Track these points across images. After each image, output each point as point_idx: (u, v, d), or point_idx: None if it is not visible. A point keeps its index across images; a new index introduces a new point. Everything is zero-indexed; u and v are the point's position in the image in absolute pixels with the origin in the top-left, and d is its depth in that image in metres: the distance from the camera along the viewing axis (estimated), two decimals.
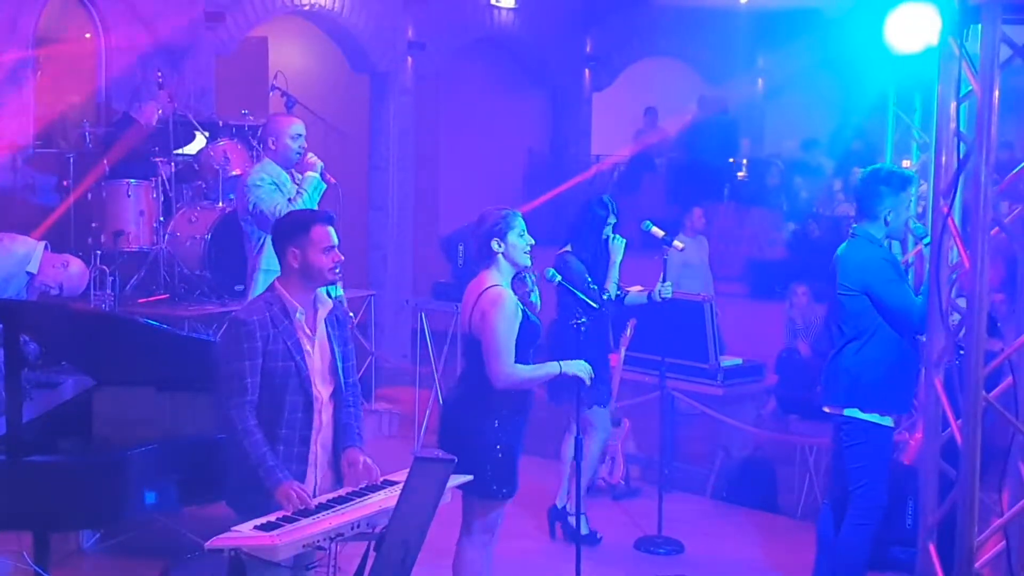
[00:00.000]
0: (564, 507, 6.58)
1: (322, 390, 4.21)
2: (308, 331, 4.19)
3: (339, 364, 4.27)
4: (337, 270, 4.22)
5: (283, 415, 4.10)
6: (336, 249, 4.22)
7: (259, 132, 7.42)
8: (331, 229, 4.23)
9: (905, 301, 5.04)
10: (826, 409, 5.32)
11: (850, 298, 5.13)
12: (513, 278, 4.87)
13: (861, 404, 5.14)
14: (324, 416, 4.23)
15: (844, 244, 5.26)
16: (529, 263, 4.87)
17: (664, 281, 6.48)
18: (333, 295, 4.51)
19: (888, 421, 5.20)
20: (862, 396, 5.13)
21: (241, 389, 4.04)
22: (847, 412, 5.18)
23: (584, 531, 6.37)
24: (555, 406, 6.42)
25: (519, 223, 4.84)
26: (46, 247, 6.54)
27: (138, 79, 8.96)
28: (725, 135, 14.44)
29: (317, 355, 4.21)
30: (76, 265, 6.70)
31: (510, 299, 4.75)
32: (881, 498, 5.25)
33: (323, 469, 4.24)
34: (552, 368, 4.82)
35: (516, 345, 4.74)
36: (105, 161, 8.04)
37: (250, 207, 6.25)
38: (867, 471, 5.20)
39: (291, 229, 4.26)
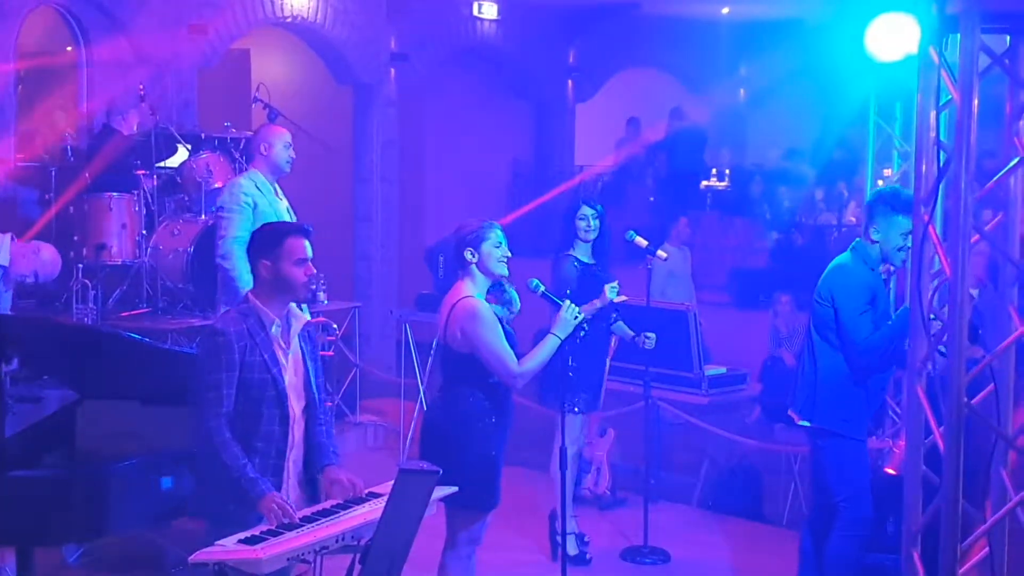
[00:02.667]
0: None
1: (296, 405, 4.18)
2: (283, 345, 4.16)
3: (312, 381, 4.23)
4: (312, 284, 4.17)
5: (260, 427, 4.07)
6: (310, 262, 4.15)
7: (245, 142, 7.40)
8: (306, 242, 4.16)
9: (857, 335, 5.03)
10: (801, 421, 5.34)
11: (822, 306, 5.18)
12: (490, 288, 4.87)
13: (826, 416, 5.15)
14: (297, 432, 4.19)
15: (843, 254, 5.27)
16: (506, 273, 4.86)
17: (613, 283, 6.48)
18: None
19: (856, 435, 5.21)
20: (828, 407, 5.14)
21: (218, 400, 4.01)
22: (813, 423, 5.21)
23: (573, 551, 6.38)
24: (545, 409, 6.43)
25: (494, 234, 4.83)
26: (12, 238, 6.47)
27: (120, 92, 8.94)
28: (695, 147, 14.47)
29: (291, 370, 4.17)
30: (47, 251, 6.64)
31: (484, 307, 4.76)
32: (867, 507, 5.26)
33: (295, 486, 4.20)
34: (552, 342, 4.78)
35: None
36: (87, 174, 8.02)
37: (220, 214, 6.28)
38: (849, 481, 5.22)
39: (264, 241, 4.21)
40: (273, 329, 4.12)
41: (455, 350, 4.81)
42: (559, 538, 6.34)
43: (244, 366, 4.04)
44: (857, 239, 5.28)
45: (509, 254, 4.85)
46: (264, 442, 4.09)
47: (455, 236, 4.89)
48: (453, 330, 4.78)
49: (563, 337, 4.80)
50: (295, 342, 4.21)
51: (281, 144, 6.30)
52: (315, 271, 4.18)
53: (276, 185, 6.37)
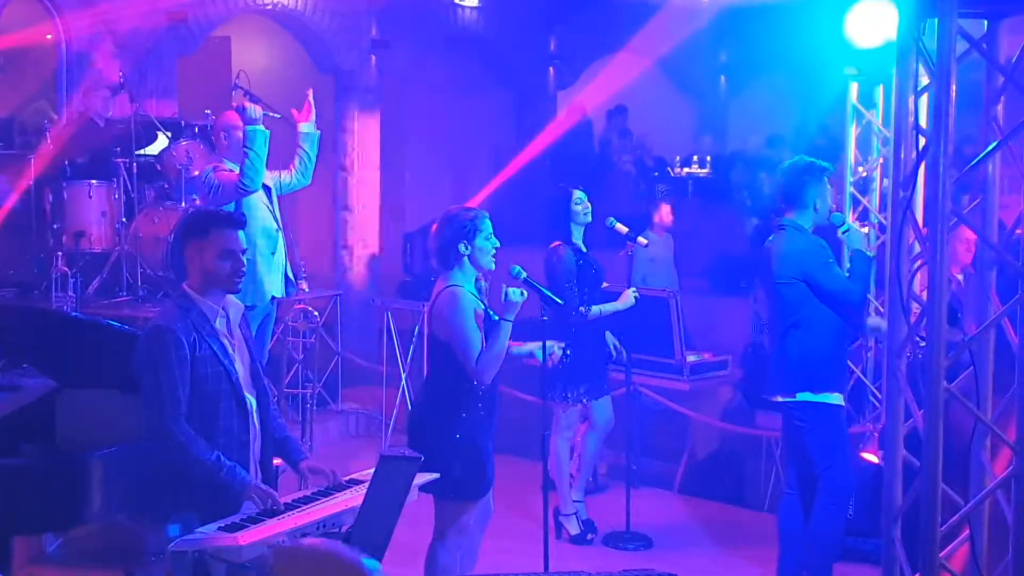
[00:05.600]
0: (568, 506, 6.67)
1: (249, 396, 4.09)
2: (228, 336, 4.07)
3: (260, 369, 4.17)
4: (236, 278, 4.00)
5: (219, 423, 3.98)
6: (239, 254, 3.99)
7: (209, 130, 7.37)
8: (236, 233, 4.01)
9: (843, 284, 5.26)
10: (778, 398, 5.41)
11: (788, 287, 5.30)
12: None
13: (812, 387, 5.28)
14: (256, 423, 4.12)
15: (773, 236, 5.44)
16: (492, 267, 4.84)
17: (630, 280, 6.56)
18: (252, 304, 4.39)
19: (839, 399, 5.36)
20: (811, 379, 5.28)
21: (175, 400, 3.89)
22: (800, 397, 5.30)
23: (575, 530, 6.47)
24: (547, 401, 6.45)
25: (487, 226, 4.81)
26: None
27: (100, 79, 8.87)
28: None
29: (239, 360, 4.08)
30: None
31: (465, 297, 4.74)
32: (850, 477, 5.35)
33: (257, 477, 4.11)
34: (504, 328, 4.71)
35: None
36: (66, 162, 7.97)
37: (208, 193, 6.24)
38: (832, 451, 5.30)
39: (190, 228, 4.11)
40: (217, 322, 4.02)
41: (440, 339, 4.80)
42: (570, 519, 6.46)
43: (196, 361, 3.93)
44: (783, 218, 5.43)
45: (498, 244, 4.84)
46: (225, 437, 4.00)
47: (447, 226, 4.81)
48: (437, 318, 4.77)
49: (511, 319, 4.73)
50: (237, 331, 4.12)
51: (238, 132, 6.26)
52: (244, 264, 4.01)
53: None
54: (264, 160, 6.16)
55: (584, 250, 6.51)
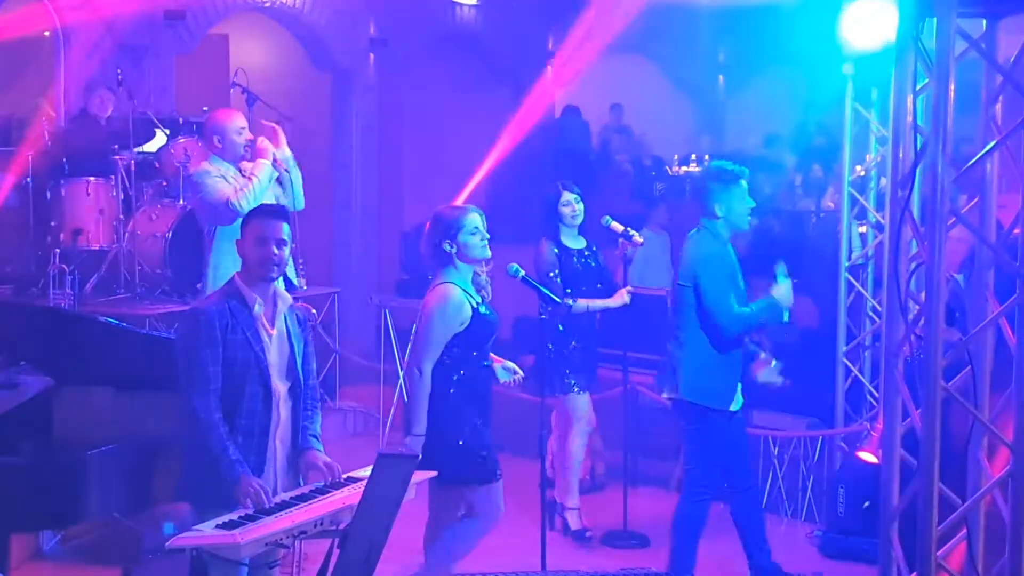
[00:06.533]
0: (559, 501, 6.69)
1: (280, 385, 4.18)
2: (267, 324, 4.16)
3: (298, 361, 4.24)
4: (267, 266, 4.11)
5: (243, 405, 4.08)
6: (273, 243, 4.11)
7: (203, 130, 7.35)
8: (271, 222, 4.15)
9: (724, 308, 5.25)
10: (666, 395, 5.54)
11: (685, 288, 5.38)
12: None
13: (701, 389, 5.38)
14: (283, 412, 4.20)
15: (691, 233, 5.47)
16: (488, 255, 4.88)
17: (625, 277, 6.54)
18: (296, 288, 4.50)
19: (726, 405, 5.43)
20: (701, 381, 5.36)
21: (204, 379, 4.01)
22: (688, 397, 5.41)
23: (576, 525, 6.48)
24: (537, 399, 6.46)
25: (469, 220, 4.83)
26: None
27: (97, 77, 8.88)
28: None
29: (275, 349, 4.18)
30: None
31: (454, 298, 4.77)
32: (713, 479, 5.50)
33: (283, 467, 4.20)
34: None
35: (472, 341, 4.77)
36: (64, 159, 7.97)
37: (196, 196, 6.24)
38: (703, 454, 5.46)
39: (243, 221, 4.30)
40: (256, 308, 4.13)
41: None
42: (567, 514, 6.47)
43: (226, 344, 4.04)
44: (703, 219, 5.42)
45: (488, 236, 4.85)
46: (247, 419, 4.08)
47: (433, 228, 4.89)
48: (421, 310, 4.82)
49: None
50: (280, 322, 4.21)
51: (232, 132, 6.23)
52: (276, 253, 4.11)
53: (239, 167, 6.28)
54: (264, 192, 6.16)
55: (578, 247, 6.49)
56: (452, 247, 4.81)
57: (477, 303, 4.84)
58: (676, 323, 5.46)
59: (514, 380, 5.11)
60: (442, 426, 4.80)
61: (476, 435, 4.86)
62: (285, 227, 4.17)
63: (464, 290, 4.85)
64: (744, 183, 5.37)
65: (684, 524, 5.54)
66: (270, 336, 4.17)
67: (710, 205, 5.36)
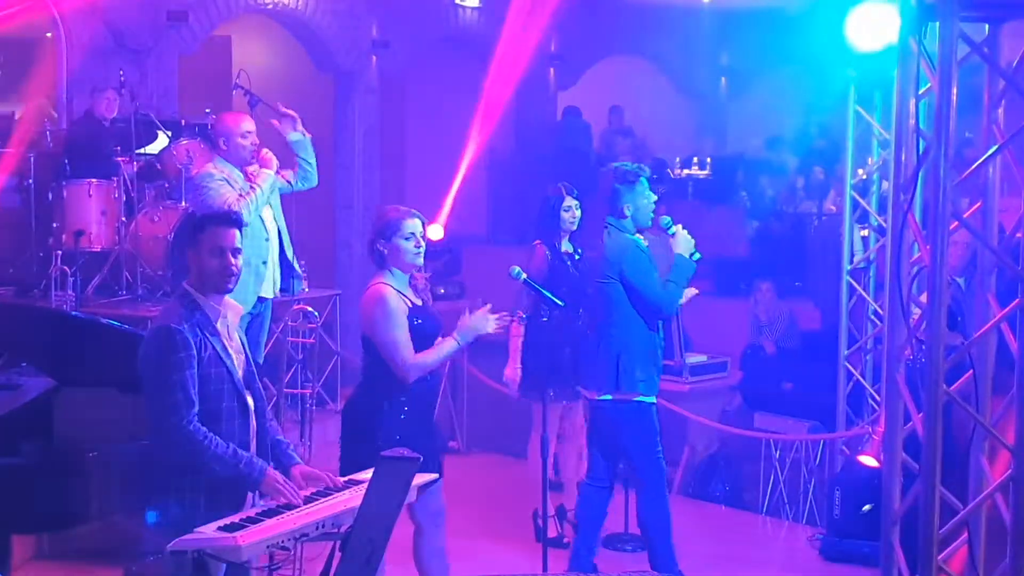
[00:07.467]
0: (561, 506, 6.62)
1: (248, 397, 4.05)
2: (228, 336, 4.03)
3: (255, 370, 4.13)
4: (227, 277, 3.94)
5: (222, 425, 3.93)
6: (229, 253, 3.93)
7: (209, 130, 7.37)
8: (229, 231, 3.95)
9: (652, 289, 5.43)
10: (591, 395, 5.59)
11: (606, 285, 5.47)
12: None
13: (626, 385, 5.45)
14: (255, 423, 4.07)
15: (604, 235, 5.58)
16: (419, 263, 4.76)
17: None
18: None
19: (651, 398, 5.53)
20: (626, 377, 5.44)
21: (188, 402, 3.85)
22: (614, 395, 5.48)
23: (554, 532, 6.40)
24: (526, 402, 6.44)
25: (407, 226, 4.71)
26: None
27: (100, 78, 8.88)
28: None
29: (237, 361, 4.04)
30: None
31: (391, 295, 4.68)
32: (663, 468, 5.58)
33: None
34: (450, 344, 4.71)
35: (412, 339, 4.69)
36: (66, 160, 7.97)
37: (197, 198, 6.24)
38: (645, 447, 5.52)
39: (188, 229, 4.13)
40: (219, 323, 3.99)
41: (368, 338, 4.76)
42: (540, 522, 6.38)
43: (200, 361, 3.89)
44: (608, 218, 5.55)
45: (423, 244, 4.76)
46: (227, 439, 3.94)
47: (372, 225, 4.85)
48: (362, 315, 4.75)
49: (462, 343, 4.73)
50: (235, 334, 4.09)
51: (237, 136, 6.24)
52: (233, 262, 3.94)
53: (244, 170, 6.30)
54: (265, 202, 6.20)
55: (570, 252, 6.48)
56: (384, 248, 4.75)
57: (413, 305, 4.74)
58: (606, 321, 5.53)
59: (500, 322, 4.89)
60: (384, 429, 4.67)
61: (416, 433, 4.70)
62: (238, 235, 4.00)
63: (399, 292, 4.74)
64: (644, 180, 5.57)
65: (657, 526, 5.59)
66: (232, 349, 4.03)
67: (619, 206, 5.53)
